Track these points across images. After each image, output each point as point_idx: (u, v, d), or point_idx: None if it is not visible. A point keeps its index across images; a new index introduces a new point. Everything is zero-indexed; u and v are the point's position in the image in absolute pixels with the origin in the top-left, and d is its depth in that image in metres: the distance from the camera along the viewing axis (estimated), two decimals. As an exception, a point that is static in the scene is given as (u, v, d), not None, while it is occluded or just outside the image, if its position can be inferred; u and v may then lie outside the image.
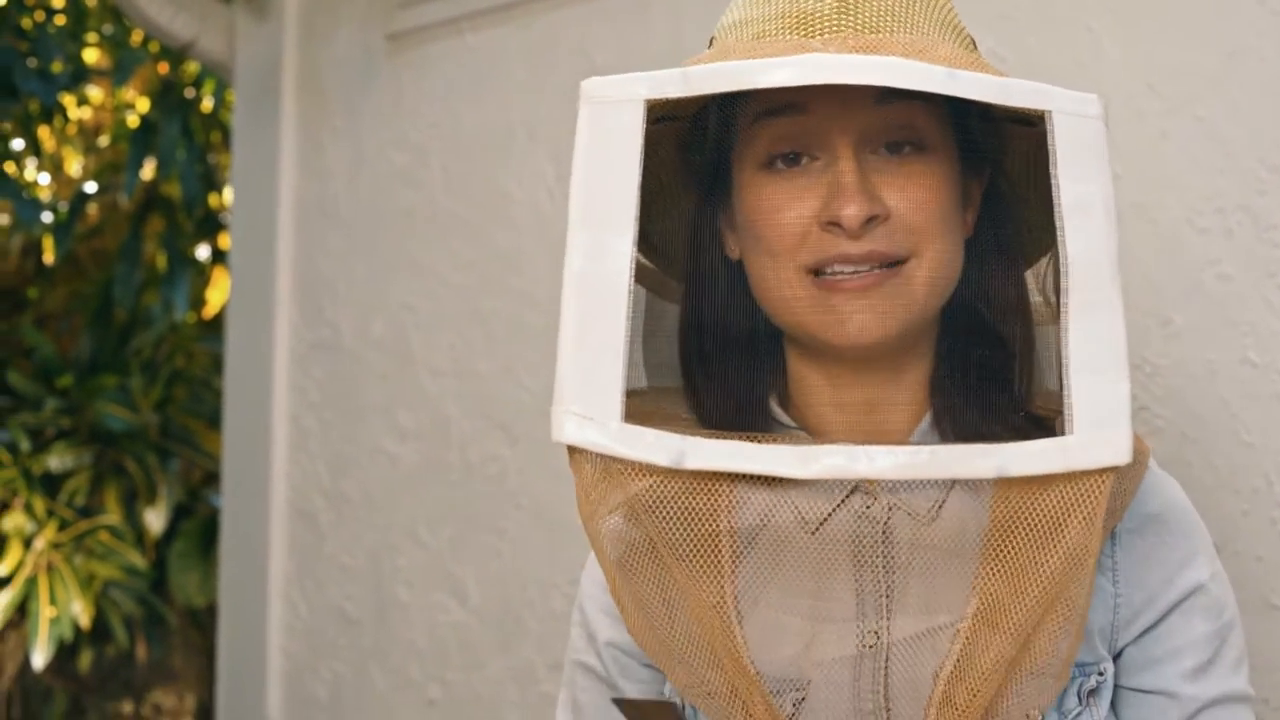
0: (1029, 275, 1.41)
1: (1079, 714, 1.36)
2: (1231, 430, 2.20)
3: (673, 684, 1.36)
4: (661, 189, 1.47)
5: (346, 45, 3.66)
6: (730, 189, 1.39)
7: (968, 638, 1.23)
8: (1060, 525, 1.18)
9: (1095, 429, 1.15)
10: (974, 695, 1.24)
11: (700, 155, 1.42)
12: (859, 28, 1.28)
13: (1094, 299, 1.17)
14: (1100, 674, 1.38)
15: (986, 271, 1.37)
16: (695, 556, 1.26)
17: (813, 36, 1.28)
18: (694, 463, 1.21)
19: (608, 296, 1.22)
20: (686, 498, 1.25)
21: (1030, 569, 1.20)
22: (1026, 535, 1.19)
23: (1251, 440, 2.19)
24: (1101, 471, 1.17)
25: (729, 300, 1.40)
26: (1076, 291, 1.17)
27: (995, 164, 1.41)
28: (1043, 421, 1.31)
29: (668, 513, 1.25)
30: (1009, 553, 1.21)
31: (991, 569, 1.22)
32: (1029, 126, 1.28)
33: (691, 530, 1.25)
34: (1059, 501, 1.18)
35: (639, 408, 1.31)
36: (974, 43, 1.40)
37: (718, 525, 1.25)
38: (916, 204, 1.29)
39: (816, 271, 1.29)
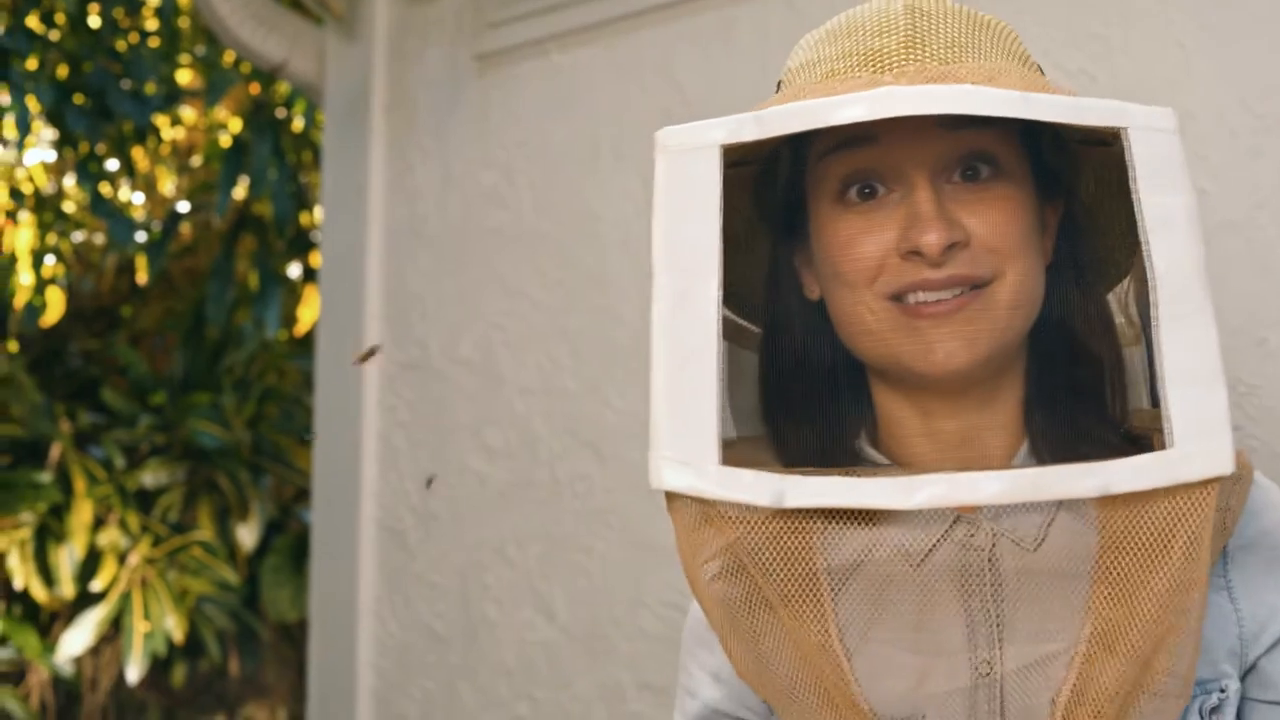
0: (1111, 298, 1.41)
1: None
2: (1328, 450, 2.17)
3: None
4: (734, 236, 1.48)
5: (435, 66, 3.68)
6: (805, 228, 1.39)
7: (1084, 663, 1.22)
8: (1168, 540, 1.16)
9: (1196, 440, 1.14)
10: (1095, 718, 1.23)
11: (774, 196, 1.42)
12: (927, 60, 1.27)
13: (1184, 310, 1.16)
14: (1222, 691, 1.36)
15: (1069, 295, 1.36)
16: (796, 596, 1.26)
17: (883, 73, 1.27)
18: (794, 500, 1.20)
19: (698, 340, 1.22)
20: (781, 539, 1.24)
21: (1141, 588, 1.18)
22: (1135, 554, 1.18)
23: (1348, 460, 2.16)
24: (1205, 482, 1.16)
25: (809, 340, 1.40)
26: (1166, 304, 1.16)
27: (1070, 190, 1.40)
28: (1140, 439, 1.30)
29: (765, 554, 1.25)
30: (1119, 573, 1.19)
31: (1103, 591, 1.21)
32: (1103, 147, 1.27)
33: (789, 570, 1.25)
34: (1165, 516, 1.16)
35: (731, 455, 1.32)
36: (1041, 70, 1.40)
37: (814, 564, 1.25)
38: (995, 227, 1.28)
39: (898, 298, 1.29)
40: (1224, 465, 1.14)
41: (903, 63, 1.27)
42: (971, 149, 1.30)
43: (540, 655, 3.28)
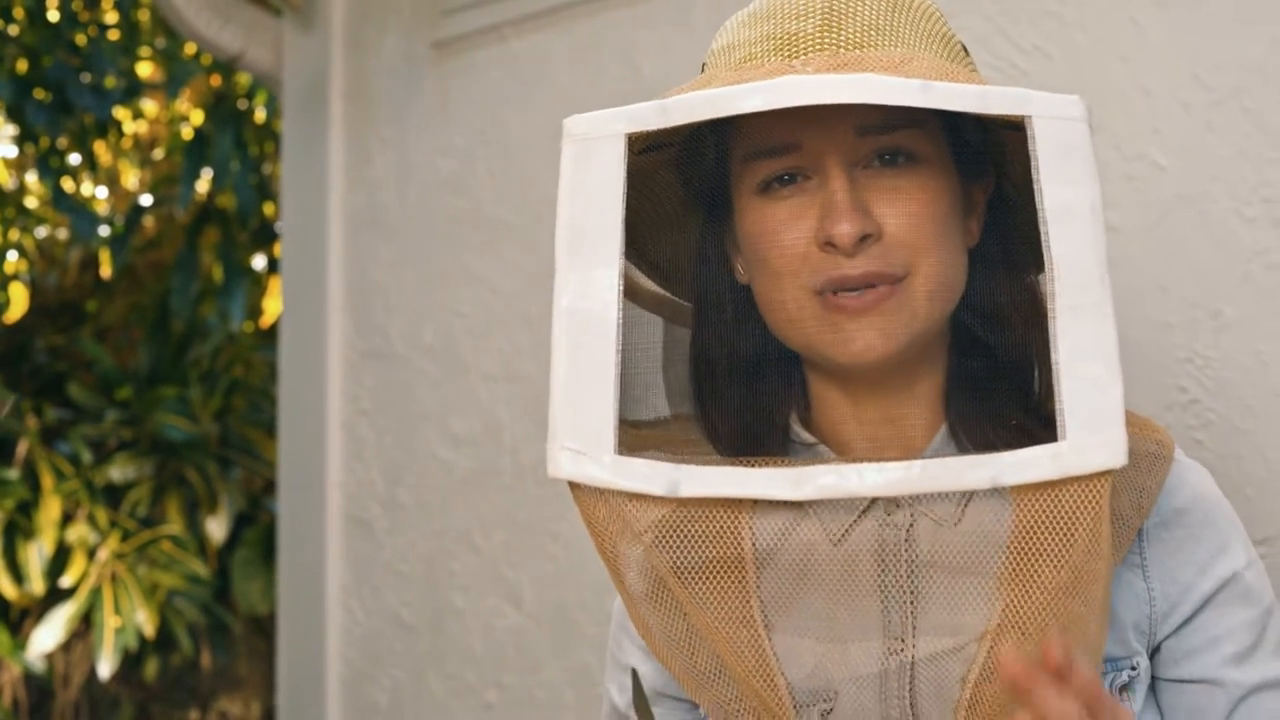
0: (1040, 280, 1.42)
1: None
2: (1283, 422, 2.18)
3: (703, 708, 1.36)
4: (667, 216, 1.48)
5: (392, 54, 3.67)
6: (732, 212, 1.39)
7: (994, 641, 1.23)
8: (1068, 530, 1.17)
9: (1088, 433, 1.14)
10: (1000, 697, 1.23)
11: (698, 180, 1.42)
12: (842, 45, 1.28)
13: (1081, 303, 1.16)
14: (1133, 669, 1.38)
15: (992, 278, 1.37)
16: (721, 576, 1.27)
17: (796, 57, 1.28)
18: (689, 490, 1.22)
19: (596, 330, 1.23)
20: (707, 521, 1.25)
21: (1044, 574, 1.19)
22: (1037, 541, 1.19)
23: (1304, 431, 2.17)
24: (1099, 475, 1.16)
25: (738, 323, 1.41)
26: (1063, 295, 1.16)
27: (999, 170, 1.40)
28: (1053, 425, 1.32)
29: (689, 537, 1.26)
30: (1024, 558, 1.20)
31: (1013, 574, 1.21)
32: (1022, 131, 1.28)
33: (715, 551, 1.26)
34: (1063, 506, 1.17)
35: (655, 436, 1.32)
36: (965, 50, 1.40)
37: (740, 543, 1.26)
38: (910, 219, 1.29)
39: (820, 292, 1.29)
40: (1116, 458, 1.15)
41: (817, 48, 1.28)
42: (885, 136, 1.31)
43: (508, 641, 3.28)
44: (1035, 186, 1.18)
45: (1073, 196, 1.18)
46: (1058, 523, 1.17)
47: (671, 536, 1.26)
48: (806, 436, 1.41)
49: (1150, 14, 2.35)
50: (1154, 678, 1.41)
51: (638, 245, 1.43)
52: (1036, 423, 1.30)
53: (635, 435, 1.31)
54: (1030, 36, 2.48)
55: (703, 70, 1.41)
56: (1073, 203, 1.18)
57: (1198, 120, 2.29)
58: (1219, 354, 2.24)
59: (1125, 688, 1.37)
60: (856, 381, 1.37)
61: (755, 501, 1.26)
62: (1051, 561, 1.19)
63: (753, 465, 1.23)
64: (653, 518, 1.25)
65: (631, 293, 1.33)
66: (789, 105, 1.19)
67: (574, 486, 1.26)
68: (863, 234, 1.26)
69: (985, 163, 1.40)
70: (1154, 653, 1.40)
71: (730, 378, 1.40)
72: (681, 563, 1.26)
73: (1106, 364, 1.15)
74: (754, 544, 1.27)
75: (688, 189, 1.46)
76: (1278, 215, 2.19)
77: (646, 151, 1.37)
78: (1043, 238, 1.18)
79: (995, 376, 1.36)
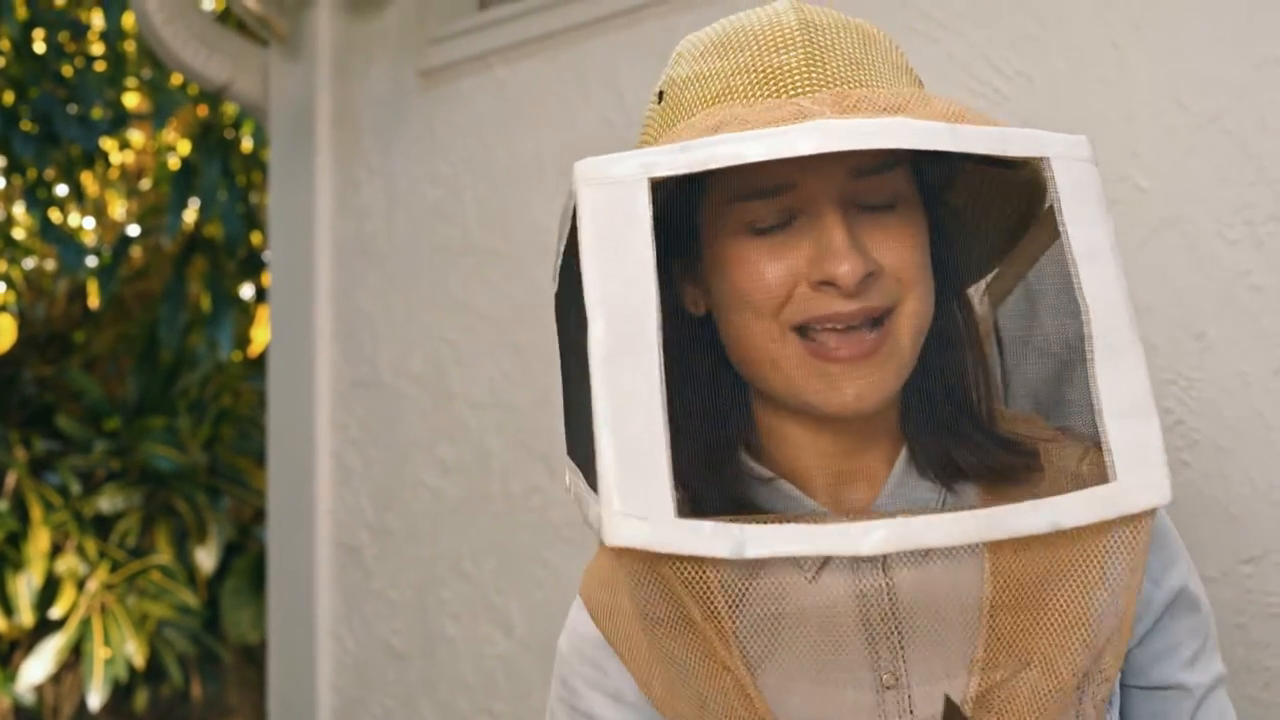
0: (974, 298, 1.43)
1: None
2: (1267, 441, 2.19)
3: None
4: None
5: (379, 83, 3.69)
6: (696, 244, 1.37)
7: (984, 666, 1.23)
8: (1105, 566, 1.18)
9: (1137, 472, 1.15)
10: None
11: (661, 209, 1.39)
12: (830, 81, 1.26)
13: (1117, 342, 1.16)
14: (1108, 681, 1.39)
15: (939, 304, 1.37)
16: (691, 623, 1.24)
17: (788, 94, 1.26)
18: (755, 551, 1.14)
19: (643, 388, 1.16)
20: (672, 568, 1.22)
21: (1078, 613, 1.20)
22: (1073, 580, 1.20)
23: (1289, 451, 2.18)
24: (1146, 513, 1.18)
25: (689, 355, 1.38)
26: (1100, 337, 1.16)
27: (942, 203, 1.41)
28: (1015, 445, 1.34)
29: (650, 588, 1.24)
30: (1052, 598, 1.21)
31: (1038, 608, 1.22)
32: (987, 165, 1.27)
33: (683, 599, 1.24)
34: (1106, 544, 1.18)
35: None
36: (919, 79, 1.40)
37: (709, 582, 1.23)
38: (903, 256, 1.28)
39: (802, 329, 1.28)
40: (1163, 494, 1.15)
41: (805, 82, 1.27)
42: (884, 180, 1.30)
43: (499, 669, 3.28)
44: (1061, 229, 1.18)
45: (1096, 237, 1.19)
46: (1093, 562, 1.18)
47: (637, 586, 1.24)
48: (762, 471, 1.39)
49: (1131, 38, 2.36)
50: (1121, 686, 1.42)
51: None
52: (993, 442, 1.31)
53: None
54: (1013, 61, 2.49)
55: (660, 98, 1.39)
56: (1097, 243, 1.18)
57: (1179, 143, 2.31)
58: (1203, 375, 2.25)
59: (1105, 700, 1.38)
60: (818, 419, 1.37)
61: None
62: (1093, 600, 1.20)
63: (815, 521, 1.19)
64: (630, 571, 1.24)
65: None
66: (827, 150, 1.15)
67: (622, 551, 1.18)
68: (866, 273, 1.25)
69: (948, 199, 1.41)
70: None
71: (676, 409, 1.36)
72: (653, 613, 1.25)
73: (1145, 401, 1.16)
74: (723, 581, 1.25)
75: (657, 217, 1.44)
76: (1260, 237, 2.21)
77: None
78: (1073, 279, 1.18)
79: (948, 398, 1.37)
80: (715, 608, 1.23)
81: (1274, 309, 2.20)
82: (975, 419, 1.35)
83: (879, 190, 1.30)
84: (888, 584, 1.28)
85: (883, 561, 1.28)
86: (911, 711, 1.29)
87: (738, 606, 1.25)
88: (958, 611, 1.26)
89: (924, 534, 1.15)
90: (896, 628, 1.28)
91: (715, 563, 1.21)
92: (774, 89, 1.27)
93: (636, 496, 1.15)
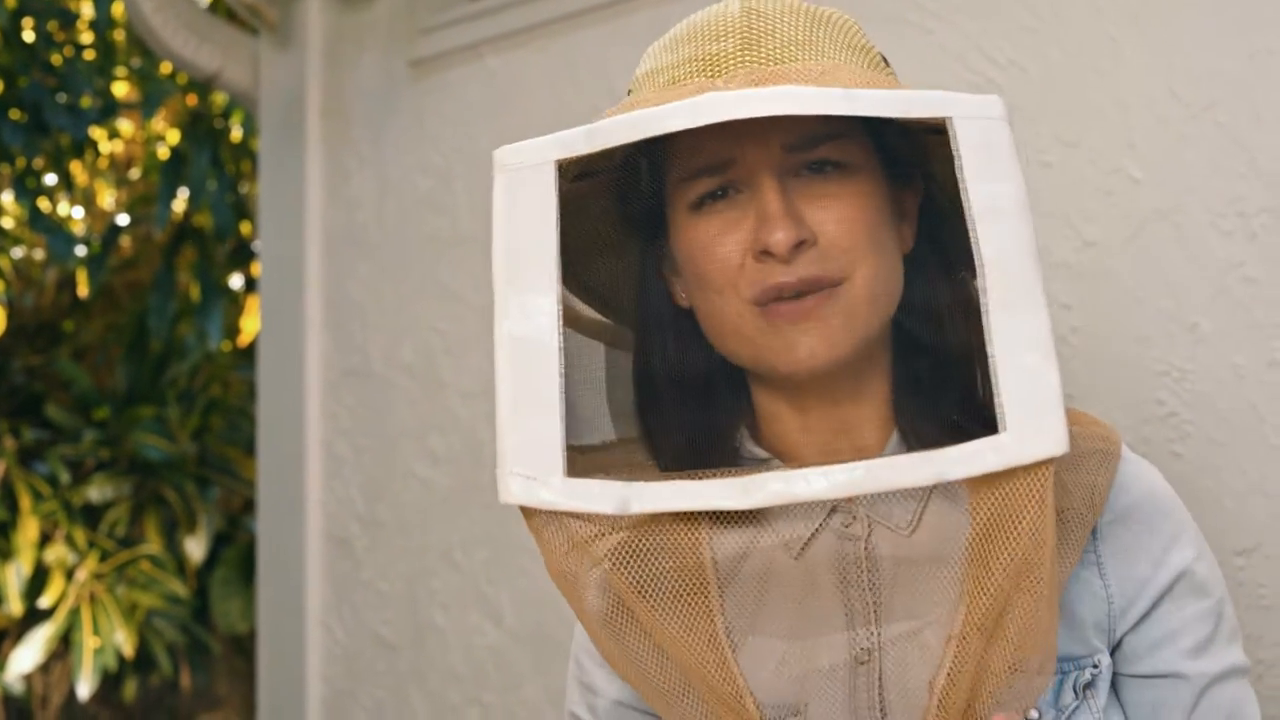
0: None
1: (1076, 708, 1.37)
2: (1260, 434, 2.19)
3: None
4: (604, 242, 1.49)
5: (369, 72, 3.68)
6: (668, 234, 1.40)
7: (959, 645, 1.23)
8: (1014, 520, 1.18)
9: (1028, 423, 1.15)
10: (967, 700, 1.24)
11: (633, 205, 1.44)
12: (762, 61, 1.29)
13: (1012, 296, 1.17)
14: (1095, 666, 1.38)
15: (930, 283, 1.38)
16: (683, 594, 1.27)
17: (718, 76, 1.29)
18: (639, 506, 1.22)
19: (538, 355, 1.24)
20: (666, 539, 1.26)
21: (995, 567, 1.20)
22: (988, 535, 1.20)
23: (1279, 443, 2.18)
24: (1042, 464, 1.17)
25: (681, 346, 1.42)
26: (995, 290, 1.17)
27: (926, 176, 1.42)
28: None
29: (648, 554, 1.26)
30: (977, 553, 1.21)
31: (974, 575, 1.22)
32: (945, 135, 1.29)
33: (676, 566, 1.26)
34: (1008, 498, 1.18)
35: (603, 461, 1.33)
36: (885, 61, 1.41)
37: (701, 560, 1.26)
38: (843, 224, 1.30)
39: (760, 303, 1.30)
40: (1058, 445, 1.16)
41: (736, 66, 1.29)
42: (811, 146, 1.32)
43: (489, 659, 3.28)
44: (960, 186, 1.19)
45: (997, 193, 1.19)
46: (1005, 514, 1.18)
47: (632, 556, 1.26)
48: (760, 452, 1.42)
49: (1126, 29, 2.36)
50: (1115, 674, 1.42)
51: (575, 272, 1.45)
52: (984, 421, 1.32)
53: (583, 460, 1.31)
54: (1006, 51, 2.49)
55: (628, 95, 1.42)
56: (999, 199, 1.19)
57: (1173, 134, 2.30)
58: (1195, 367, 2.25)
59: (1089, 686, 1.38)
60: (803, 392, 1.38)
61: (712, 519, 1.27)
62: (1002, 554, 1.19)
63: (701, 478, 1.23)
64: (612, 542, 1.26)
65: (570, 320, 1.34)
66: (712, 121, 1.20)
67: (526, 512, 1.26)
68: (798, 240, 1.27)
69: (912, 169, 1.41)
70: (1114, 649, 1.41)
71: (676, 400, 1.41)
72: (642, 580, 1.27)
73: (1042, 354, 1.16)
74: (715, 563, 1.27)
75: (623, 214, 1.47)
76: (1253, 229, 2.21)
77: (581, 179, 1.38)
78: (970, 235, 1.18)
79: (942, 379, 1.37)
80: (705, 578, 1.26)
81: (1267, 301, 2.20)
82: (966, 397, 1.35)
83: (819, 160, 1.31)
84: (867, 558, 1.30)
85: (866, 538, 1.31)
86: (881, 688, 1.30)
87: (726, 581, 1.28)
88: (933, 580, 1.27)
89: (806, 488, 1.18)
90: (874, 600, 1.30)
91: (708, 534, 1.27)
92: (711, 74, 1.30)
93: (529, 458, 1.23)
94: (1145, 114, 2.33)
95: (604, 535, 1.26)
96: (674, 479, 1.23)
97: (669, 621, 1.28)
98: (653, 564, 1.26)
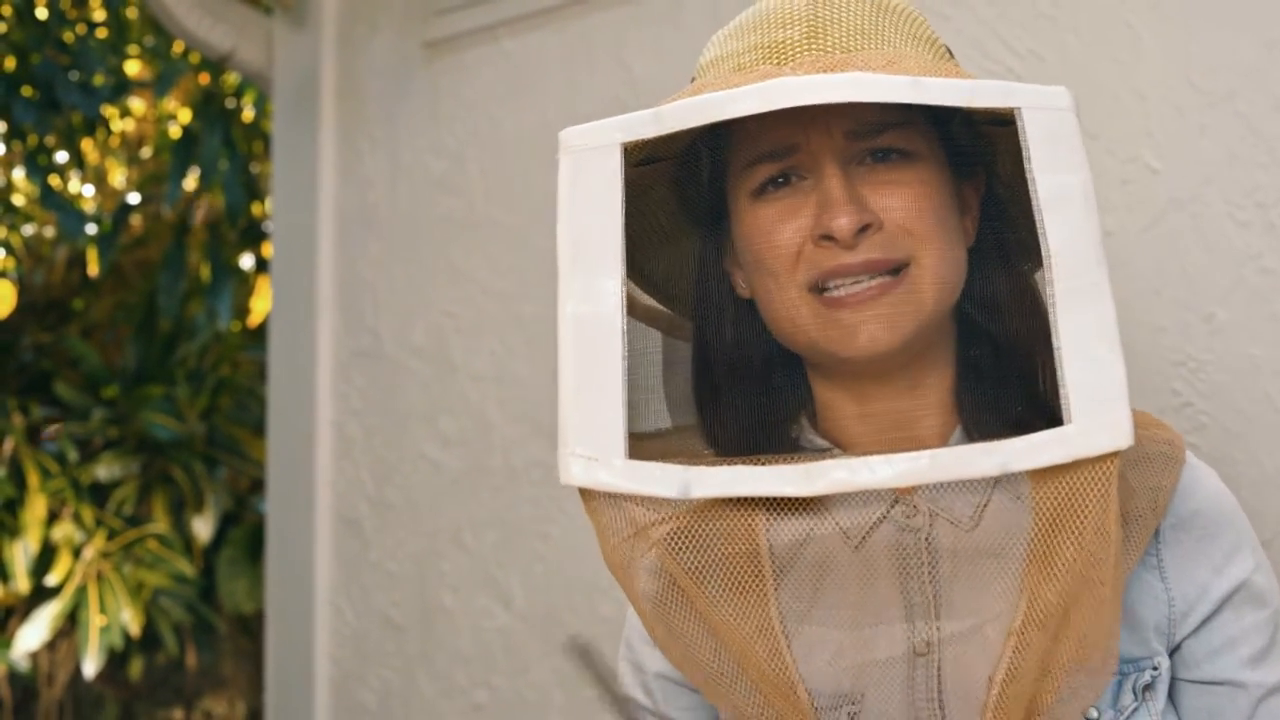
0: (1038, 276, 1.42)
1: (1135, 709, 1.37)
2: (1276, 425, 2.18)
3: (721, 714, 1.37)
4: (666, 231, 1.49)
5: (384, 53, 3.67)
6: (729, 224, 1.40)
7: (1019, 640, 1.23)
8: (1079, 513, 1.17)
9: (1094, 415, 1.15)
10: (1028, 695, 1.24)
11: (696, 192, 1.43)
12: (828, 49, 1.29)
13: (1079, 286, 1.16)
14: (1155, 669, 1.38)
15: (993, 275, 1.37)
16: (738, 580, 1.27)
17: (784, 64, 1.29)
18: (700, 491, 1.21)
19: (603, 337, 1.24)
20: (722, 525, 1.25)
21: (1059, 560, 1.20)
22: (1053, 528, 1.19)
23: (1296, 435, 2.17)
24: (1106, 456, 1.16)
25: (741, 335, 1.42)
26: (1062, 280, 1.17)
27: (989, 168, 1.41)
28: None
29: (705, 540, 1.26)
30: (1041, 546, 1.20)
31: (1035, 569, 1.22)
32: (1011, 126, 1.28)
33: (731, 553, 1.26)
34: (1073, 491, 1.17)
35: (660, 447, 1.33)
36: (950, 52, 1.41)
37: (757, 547, 1.26)
38: (907, 208, 1.30)
39: (820, 289, 1.30)
40: (1123, 438, 1.15)
41: (802, 54, 1.29)
42: (877, 134, 1.32)
43: (497, 642, 3.28)
44: (1028, 176, 1.19)
45: (1065, 183, 1.19)
46: (1070, 507, 1.17)
47: (687, 541, 1.26)
48: (820, 441, 1.41)
49: (1144, 18, 2.35)
50: (1172, 678, 1.41)
51: (635, 261, 1.44)
52: (1048, 414, 1.31)
53: (642, 446, 1.31)
54: (1024, 40, 2.48)
55: (692, 83, 1.42)
56: (1065, 190, 1.19)
57: (1191, 124, 2.29)
58: (1212, 357, 2.24)
59: (1148, 688, 1.38)
60: (863, 381, 1.37)
61: (769, 506, 1.26)
62: (1065, 549, 1.19)
63: (763, 464, 1.23)
64: (668, 527, 1.26)
65: (629, 308, 1.34)
66: (782, 106, 1.20)
67: (585, 493, 1.26)
68: (862, 224, 1.27)
69: (976, 161, 1.41)
70: (1172, 653, 1.40)
71: (735, 388, 1.41)
72: (698, 567, 1.27)
73: (1108, 345, 1.15)
74: (771, 550, 1.27)
75: (686, 201, 1.47)
76: (1271, 219, 2.20)
77: (644, 164, 1.37)
78: (1038, 225, 1.18)
79: (1006, 371, 1.36)
80: (761, 566, 1.26)
81: (1284, 292, 2.19)
82: (1028, 395, 1.34)
83: (883, 148, 1.31)
84: (928, 552, 1.29)
85: (927, 532, 1.31)
86: (939, 681, 1.29)
87: (782, 569, 1.27)
88: (994, 575, 1.26)
89: (870, 477, 1.18)
90: (934, 593, 1.29)
91: (764, 521, 1.27)
92: (778, 61, 1.30)
93: (591, 440, 1.23)
94: (1163, 103, 2.32)
95: (663, 520, 1.26)
96: (735, 464, 1.23)
97: (723, 608, 1.28)
98: (709, 550, 1.26)
